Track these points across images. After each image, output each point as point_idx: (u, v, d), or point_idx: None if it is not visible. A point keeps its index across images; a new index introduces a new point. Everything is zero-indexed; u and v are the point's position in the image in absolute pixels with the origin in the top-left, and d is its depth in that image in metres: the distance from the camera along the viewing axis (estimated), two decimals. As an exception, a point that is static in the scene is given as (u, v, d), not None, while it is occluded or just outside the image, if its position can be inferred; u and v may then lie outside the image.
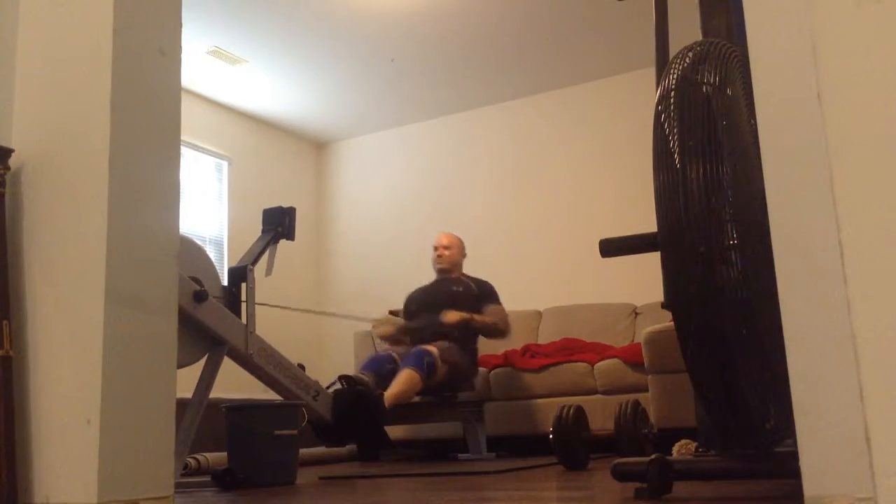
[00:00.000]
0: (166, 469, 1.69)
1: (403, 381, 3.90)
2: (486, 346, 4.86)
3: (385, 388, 3.88)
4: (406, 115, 6.41)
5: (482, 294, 4.45)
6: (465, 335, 4.28)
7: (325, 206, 6.85)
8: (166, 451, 1.70)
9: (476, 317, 4.28)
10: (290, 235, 3.59)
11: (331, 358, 6.16)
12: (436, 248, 4.64)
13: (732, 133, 1.59)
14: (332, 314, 6.01)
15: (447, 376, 4.11)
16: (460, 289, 4.44)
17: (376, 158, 6.71)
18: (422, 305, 4.47)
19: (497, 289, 4.53)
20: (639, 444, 3.01)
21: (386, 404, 3.78)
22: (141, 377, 1.66)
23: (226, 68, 5.50)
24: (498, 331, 4.38)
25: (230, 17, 4.87)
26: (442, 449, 4.75)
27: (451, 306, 4.29)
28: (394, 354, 4.25)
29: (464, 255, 4.67)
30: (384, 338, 4.50)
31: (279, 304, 4.10)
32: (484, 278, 4.57)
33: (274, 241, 3.53)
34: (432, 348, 4.06)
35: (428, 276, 4.68)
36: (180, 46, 1.88)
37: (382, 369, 4.09)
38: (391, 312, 4.78)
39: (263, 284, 3.31)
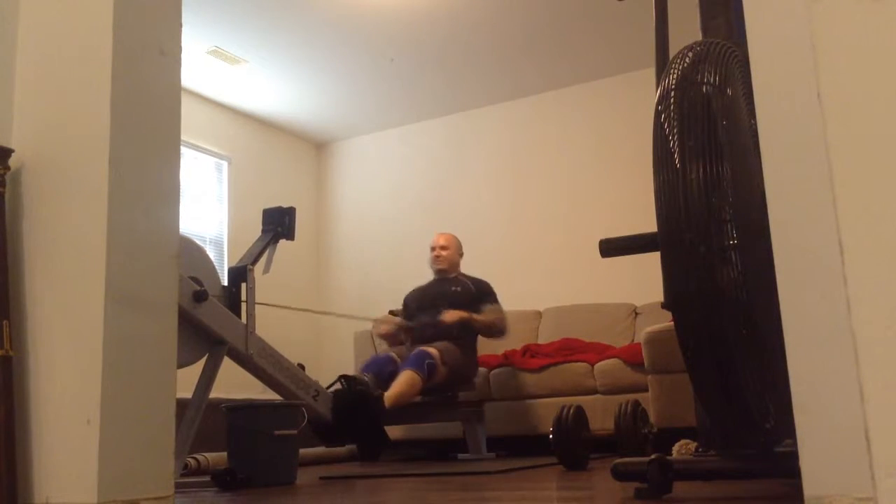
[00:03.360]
0: (166, 469, 1.69)
1: (403, 382, 3.90)
2: (486, 346, 4.86)
3: (385, 390, 3.89)
4: (406, 115, 6.41)
5: (480, 293, 4.45)
6: (465, 335, 4.29)
7: (324, 206, 6.85)
8: (166, 451, 1.70)
9: (475, 316, 4.28)
10: (289, 235, 3.59)
11: (331, 358, 6.16)
12: (433, 249, 4.63)
13: (732, 133, 1.59)
14: (332, 313, 6.00)
15: (447, 377, 4.12)
16: (458, 289, 4.45)
17: (376, 158, 6.71)
18: (421, 305, 4.48)
19: (496, 288, 4.53)
20: (639, 444, 3.01)
21: (385, 405, 3.79)
22: (141, 377, 1.66)
23: (226, 68, 5.50)
24: (497, 330, 4.38)
25: (230, 17, 4.87)
26: (442, 449, 4.75)
27: (449, 306, 4.30)
28: (393, 356, 4.25)
29: (461, 255, 4.67)
30: (384, 336, 4.51)
31: (279, 303, 4.09)
32: (482, 277, 4.57)
33: (274, 241, 3.53)
34: (433, 350, 4.07)
35: (427, 275, 4.68)
36: (180, 46, 1.88)
37: (383, 371, 4.10)
38: (391, 312, 4.79)
39: (263, 284, 3.30)
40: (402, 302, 4.70)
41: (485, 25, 5.08)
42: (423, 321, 4.33)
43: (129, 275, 1.66)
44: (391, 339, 4.45)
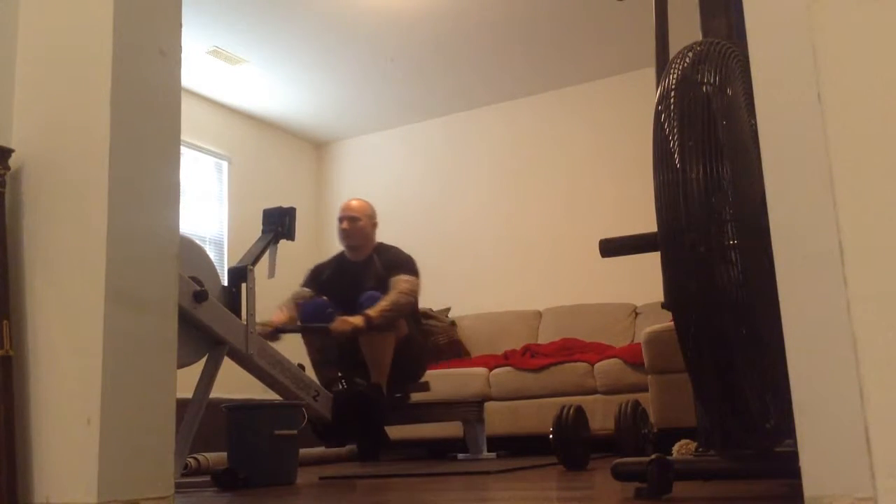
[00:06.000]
0: (166, 469, 1.69)
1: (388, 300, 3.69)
2: (486, 346, 4.88)
3: (328, 324, 3.63)
4: (406, 115, 6.41)
5: (389, 273, 3.94)
6: (390, 326, 3.81)
7: (324, 206, 6.85)
8: (166, 451, 1.70)
9: (370, 313, 3.68)
10: (290, 235, 3.59)
11: (331, 358, 6.15)
12: (341, 220, 4.16)
13: (732, 133, 1.59)
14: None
15: (405, 343, 3.89)
16: (371, 283, 3.96)
17: (376, 158, 6.71)
18: (330, 295, 4.05)
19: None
20: (639, 444, 3.01)
21: (373, 321, 3.63)
22: (141, 377, 1.66)
23: (226, 68, 5.50)
24: (400, 309, 3.81)
25: (230, 17, 4.87)
26: (442, 449, 4.75)
27: (358, 303, 3.81)
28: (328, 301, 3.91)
29: (375, 225, 4.27)
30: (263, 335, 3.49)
31: (278, 303, 4.08)
32: (402, 249, 4.13)
33: (274, 241, 3.53)
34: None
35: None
36: (180, 46, 1.88)
37: (323, 312, 3.81)
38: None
39: (263, 284, 3.30)
40: (316, 278, 4.22)
41: (485, 26, 5.08)
42: (313, 326, 3.82)
43: (129, 275, 1.66)
44: (269, 336, 3.61)
